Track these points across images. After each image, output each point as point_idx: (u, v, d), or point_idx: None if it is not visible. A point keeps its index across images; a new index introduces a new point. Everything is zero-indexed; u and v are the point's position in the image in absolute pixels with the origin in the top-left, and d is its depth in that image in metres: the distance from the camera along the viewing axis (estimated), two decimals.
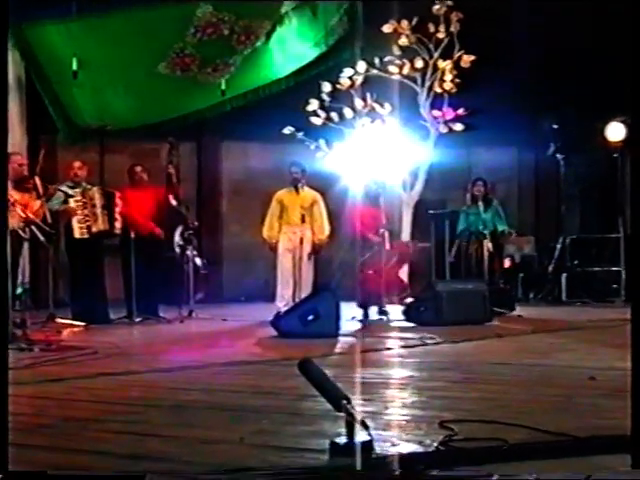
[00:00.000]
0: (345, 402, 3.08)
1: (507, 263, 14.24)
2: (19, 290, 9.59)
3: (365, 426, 3.07)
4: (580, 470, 2.77)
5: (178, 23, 12.85)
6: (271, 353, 7.28)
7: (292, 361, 5.43)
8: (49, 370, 5.84)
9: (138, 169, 10.90)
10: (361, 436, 3.03)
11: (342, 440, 3.05)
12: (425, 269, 14.16)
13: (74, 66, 11.82)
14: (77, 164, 10.28)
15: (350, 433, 3.03)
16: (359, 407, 3.55)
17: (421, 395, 4.69)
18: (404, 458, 2.98)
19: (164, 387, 5.19)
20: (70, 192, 9.97)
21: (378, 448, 3.11)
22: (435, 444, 3.23)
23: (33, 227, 8.74)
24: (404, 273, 11.91)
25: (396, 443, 3.34)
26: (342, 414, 3.09)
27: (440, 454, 3.11)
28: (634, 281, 3.34)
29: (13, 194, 8.72)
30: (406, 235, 11.77)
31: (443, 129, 11.78)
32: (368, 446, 3.03)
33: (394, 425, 3.80)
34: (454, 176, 13.64)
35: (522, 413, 4.00)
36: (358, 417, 3.07)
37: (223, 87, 12.85)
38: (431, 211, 14.60)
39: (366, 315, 10.56)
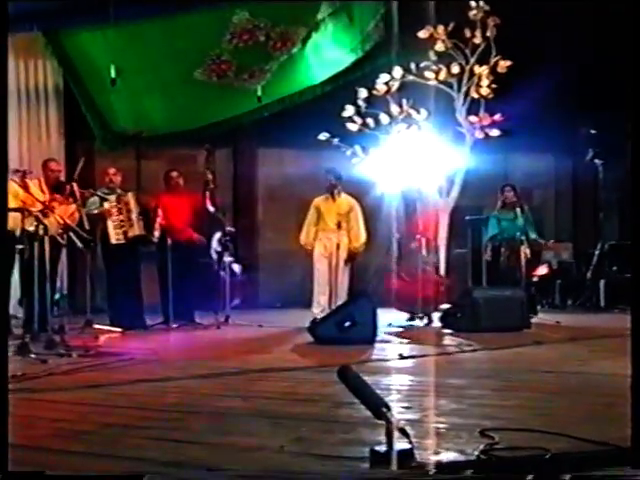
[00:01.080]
0: (385, 410, 3.05)
1: (544, 270, 14.13)
2: (57, 296, 9.65)
3: (405, 434, 3.03)
4: None
5: (214, 29, 12.94)
6: (308, 360, 7.27)
7: (329, 368, 5.43)
8: (87, 376, 5.87)
9: (174, 174, 10.91)
10: (401, 444, 3.00)
11: (382, 448, 3.02)
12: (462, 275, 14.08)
13: (112, 73, 11.90)
14: (112, 170, 10.27)
15: (390, 441, 3.00)
16: (398, 415, 3.53)
17: (460, 403, 4.65)
18: (444, 466, 2.96)
19: (202, 393, 5.19)
20: (105, 197, 9.98)
21: (418, 456, 3.09)
22: (476, 453, 3.21)
23: (71, 233, 8.78)
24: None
25: (436, 451, 3.31)
26: (380, 422, 3.05)
27: (481, 462, 3.09)
28: (634, 289, 3.28)
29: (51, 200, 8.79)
30: (442, 241, 11.67)
31: (479, 135, 11.67)
32: (409, 454, 3.00)
33: (434, 433, 3.77)
34: (491, 182, 13.51)
35: (563, 421, 3.96)
36: (398, 425, 3.04)
37: (259, 93, 12.91)
38: (468, 217, 14.54)
39: (413, 318, 10.62)
